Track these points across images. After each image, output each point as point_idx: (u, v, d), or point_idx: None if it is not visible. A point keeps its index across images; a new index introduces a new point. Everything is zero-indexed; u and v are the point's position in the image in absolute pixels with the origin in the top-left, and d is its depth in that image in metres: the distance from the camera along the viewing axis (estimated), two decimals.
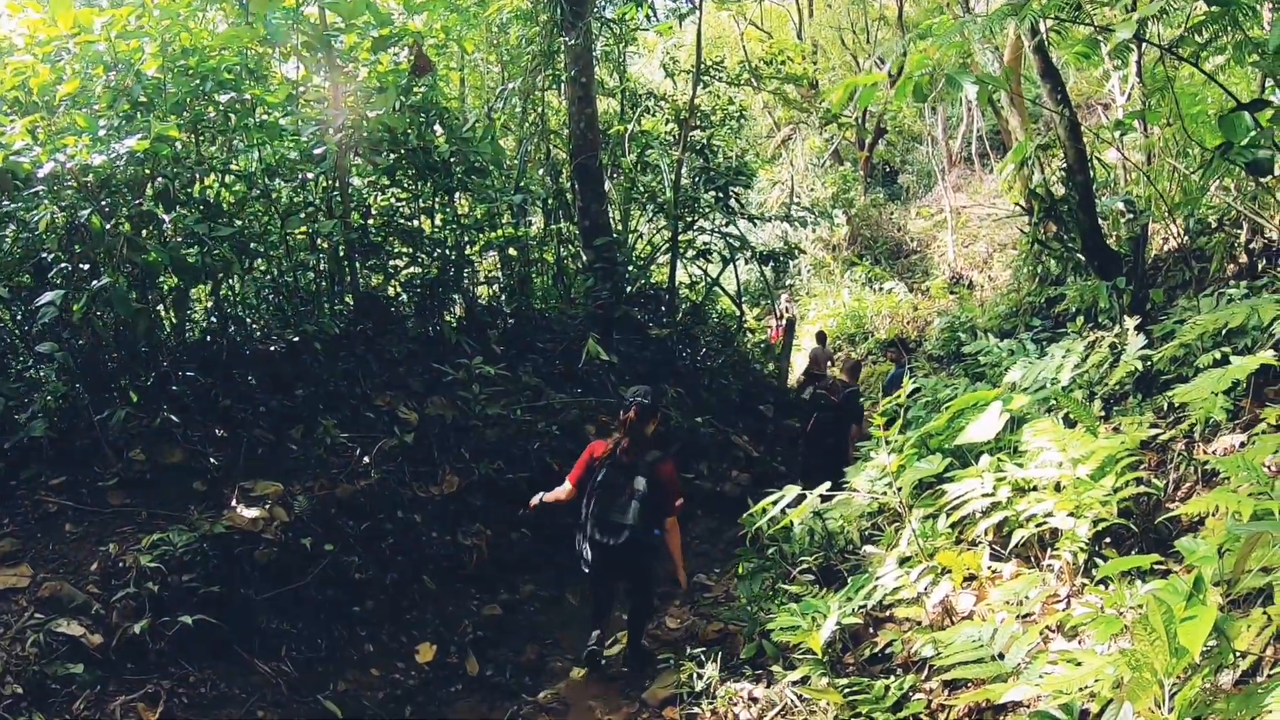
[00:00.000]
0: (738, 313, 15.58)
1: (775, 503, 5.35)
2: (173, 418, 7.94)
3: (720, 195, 14.08)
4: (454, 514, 9.06)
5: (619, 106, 15.60)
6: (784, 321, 17.93)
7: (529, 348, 11.72)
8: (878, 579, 5.27)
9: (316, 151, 9.42)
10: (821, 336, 15.85)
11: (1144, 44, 9.19)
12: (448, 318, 11.21)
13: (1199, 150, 9.08)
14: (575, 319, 12.33)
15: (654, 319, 13.74)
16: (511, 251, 12.56)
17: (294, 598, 7.34)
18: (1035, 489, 5.46)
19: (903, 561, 5.31)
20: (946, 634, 4.42)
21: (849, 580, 5.85)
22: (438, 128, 10.71)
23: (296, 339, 9.33)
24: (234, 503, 7.50)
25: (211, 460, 7.86)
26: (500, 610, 8.77)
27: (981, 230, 26.19)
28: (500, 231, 12.04)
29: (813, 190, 26.98)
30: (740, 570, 7.62)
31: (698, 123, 15.05)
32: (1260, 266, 8.33)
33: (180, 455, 7.86)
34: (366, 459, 8.52)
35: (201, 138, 9.17)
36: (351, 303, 10.44)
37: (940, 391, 9.55)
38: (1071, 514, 4.93)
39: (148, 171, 8.33)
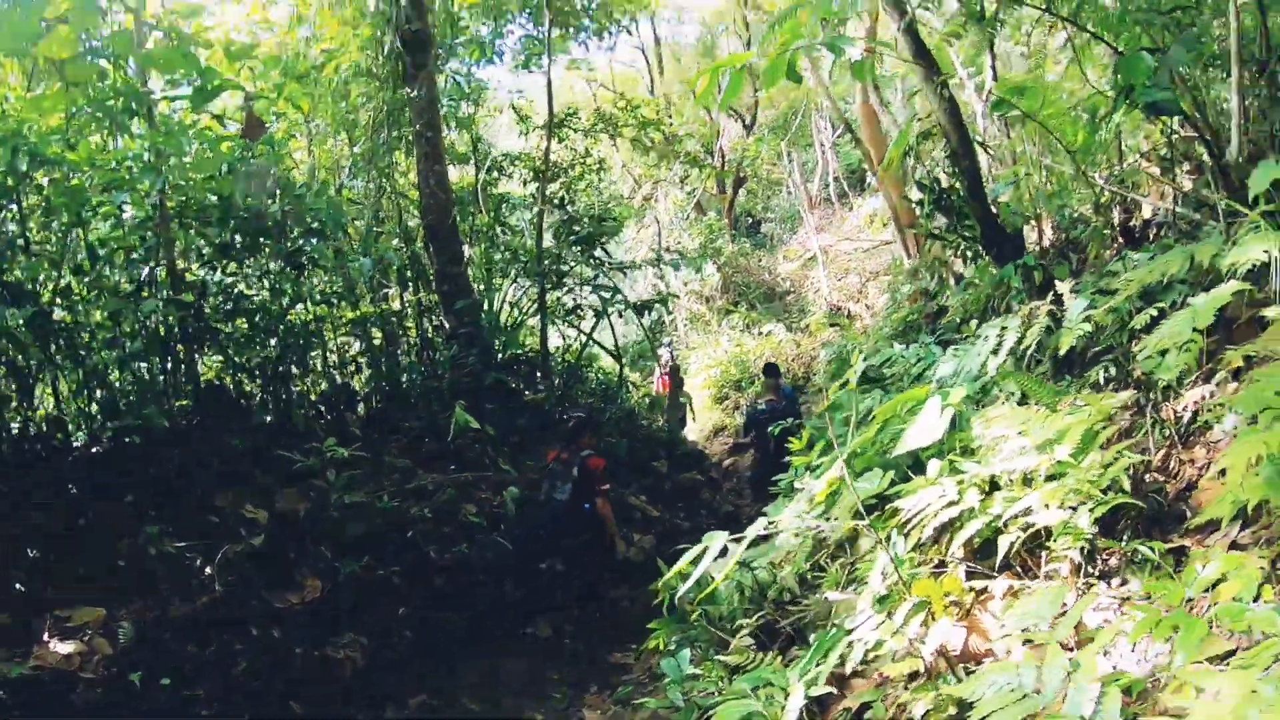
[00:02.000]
0: (618, 368, 14.59)
1: (695, 560, 4.21)
2: None
3: (586, 247, 13.12)
4: (319, 623, 7.76)
5: (473, 168, 14.60)
6: (668, 370, 16.96)
7: (394, 428, 10.52)
8: (851, 632, 4.17)
9: (127, 215, 8.20)
10: (773, 369, 14.56)
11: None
12: (297, 404, 9.93)
13: (1061, 146, 8.69)
14: (442, 392, 11.16)
15: (528, 385, 12.64)
16: (372, 329, 11.37)
17: None
18: (999, 487, 4.59)
19: (880, 602, 4.22)
20: (965, 686, 3.27)
21: (808, 639, 4.82)
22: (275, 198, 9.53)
23: (124, 437, 8.05)
24: (45, 635, 6.20)
25: (17, 587, 6.53)
26: None
27: (851, 263, 26.54)
28: (358, 310, 10.88)
29: (679, 243, 26.40)
30: (660, 644, 6.50)
31: (555, 174, 14.14)
32: (1152, 235, 8.02)
33: None
34: (208, 569, 7.25)
35: (3, 211, 7.94)
36: (190, 394, 9.18)
37: (854, 406, 8.79)
38: (1063, 505, 4.01)
39: None
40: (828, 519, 6.01)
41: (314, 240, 9.84)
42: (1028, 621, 3.52)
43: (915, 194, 12.16)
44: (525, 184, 14.94)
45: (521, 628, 9.35)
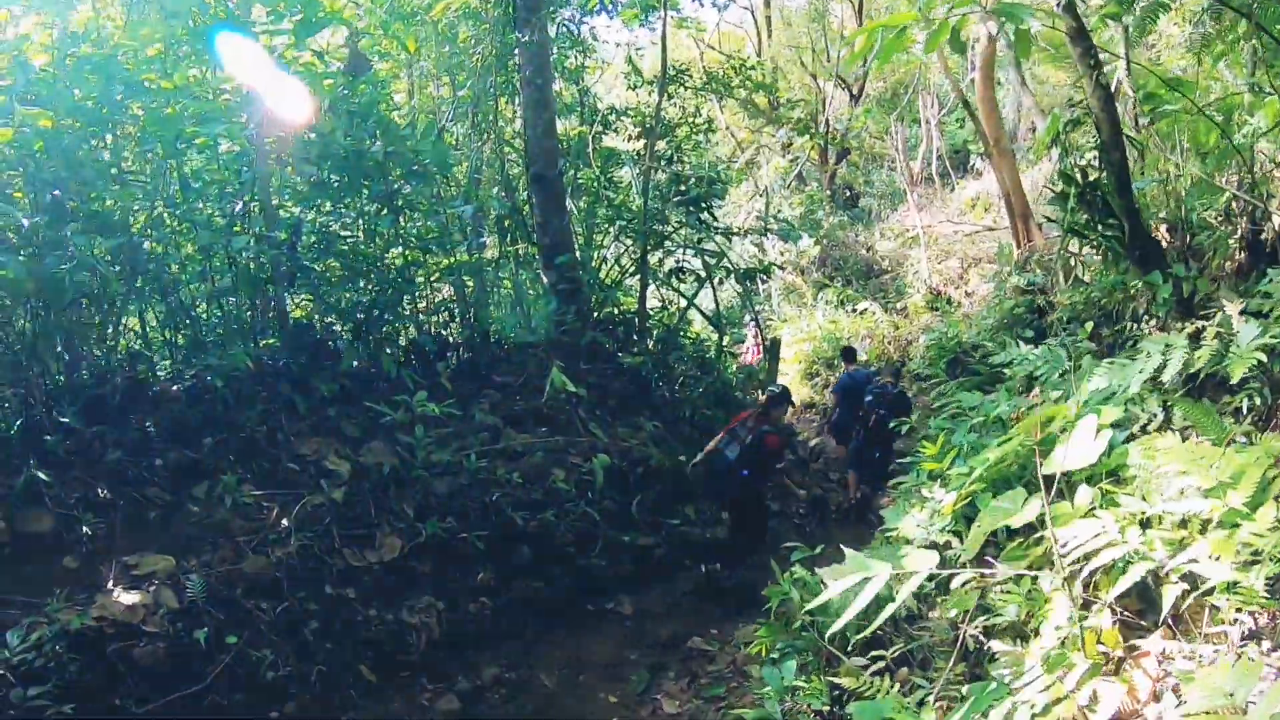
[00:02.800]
0: (716, 336, 13.92)
1: (851, 588, 3.51)
2: (41, 475, 6.21)
3: (693, 209, 12.43)
4: (396, 586, 7.30)
5: (579, 121, 13.97)
6: (765, 342, 16.19)
7: (485, 382, 10.00)
8: (1016, 693, 3.49)
9: (222, 149, 7.75)
10: (851, 352, 14.24)
11: None
12: (388, 350, 9.43)
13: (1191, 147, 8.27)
14: (537, 348, 10.60)
15: (624, 347, 12.05)
16: (465, 277, 10.85)
17: (188, 705, 5.60)
18: (1150, 525, 3.99)
19: (1050, 661, 3.54)
20: None
21: (929, 664, 4.20)
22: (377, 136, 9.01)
23: (206, 377, 7.62)
24: (110, 584, 5.78)
25: (85, 529, 6.12)
26: (458, 703, 6.99)
27: (953, 246, 25.06)
28: (451, 259, 10.36)
29: (779, 212, 25.52)
30: (761, 649, 5.89)
31: (664, 131, 13.47)
32: None
33: (49, 522, 6.14)
34: (285, 522, 6.79)
35: (95, 139, 7.54)
36: (278, 333, 8.75)
37: (967, 407, 8.12)
38: (1235, 560, 3.35)
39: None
40: (951, 533, 5.39)
41: (415, 182, 9.31)
42: (1214, 701, 2.84)
43: (1025, 180, 11.31)
44: (629, 140, 14.28)
45: (604, 603, 8.81)
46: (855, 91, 28.93)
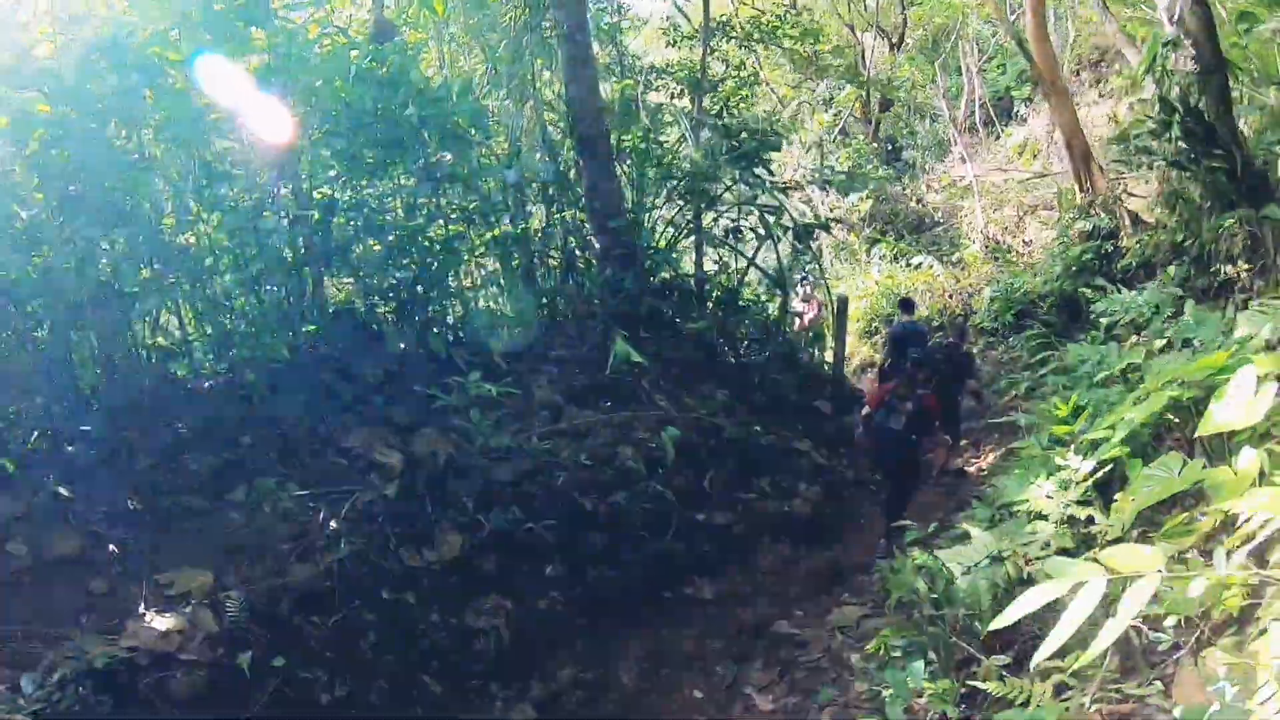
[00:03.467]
0: (779, 297, 13.06)
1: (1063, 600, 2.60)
2: (62, 491, 5.57)
3: (746, 165, 11.56)
4: (459, 586, 6.58)
5: (618, 80, 13.12)
6: (821, 301, 15.18)
7: (541, 358, 9.25)
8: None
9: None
10: (909, 304, 13.37)
11: None
12: (435, 330, 8.69)
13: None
14: (594, 318, 9.83)
15: (682, 314, 11.25)
16: (511, 249, 10.09)
17: None
18: None
19: None
20: None
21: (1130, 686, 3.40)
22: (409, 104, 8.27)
23: (242, 370, 6.95)
24: (142, 607, 5.11)
25: (112, 548, 5.45)
26: (534, 712, 6.29)
27: (1006, 195, 24.07)
28: (497, 230, 9.61)
29: (826, 165, 24.53)
30: (883, 648, 5.11)
31: (710, 86, 12.65)
32: None
33: (75, 542, 5.49)
34: (333, 524, 6.08)
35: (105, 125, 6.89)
36: (317, 320, 8.06)
37: (1078, 360, 7.34)
38: None
39: None
40: (1088, 504, 4.58)
41: (453, 148, 8.55)
42: None
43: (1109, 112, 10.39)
44: (673, 98, 13.43)
45: (682, 588, 8.07)
46: (895, 40, 27.91)
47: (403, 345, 8.24)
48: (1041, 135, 26.33)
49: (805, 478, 9.98)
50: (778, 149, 12.43)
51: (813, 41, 17.37)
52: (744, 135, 11.83)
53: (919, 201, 26.48)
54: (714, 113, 12.09)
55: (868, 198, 24.49)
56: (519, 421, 7.87)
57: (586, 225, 10.84)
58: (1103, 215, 15.63)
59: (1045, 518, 4.73)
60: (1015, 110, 28.62)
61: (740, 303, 12.18)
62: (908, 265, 22.16)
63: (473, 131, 8.69)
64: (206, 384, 7.12)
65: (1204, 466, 3.97)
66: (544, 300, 10.22)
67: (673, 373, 9.84)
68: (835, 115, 26.36)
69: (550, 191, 10.84)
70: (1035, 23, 17.63)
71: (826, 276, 22.68)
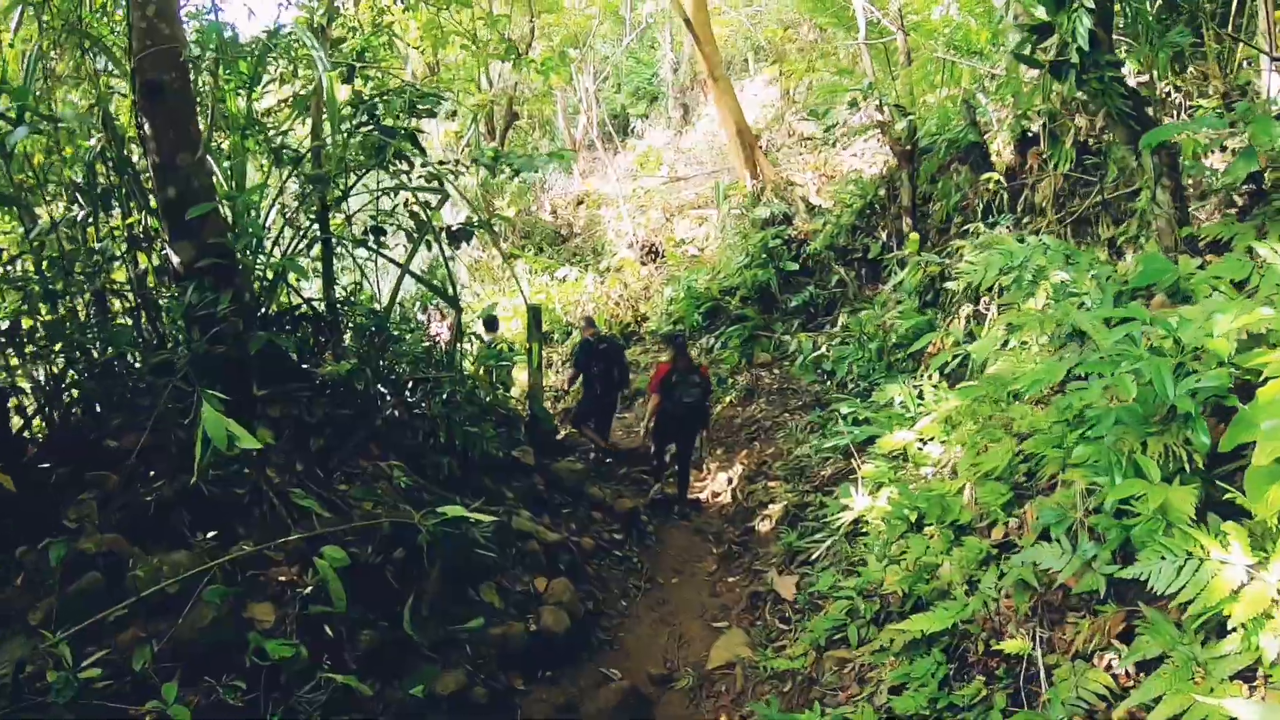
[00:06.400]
0: (454, 314, 9.21)
1: None
2: None
3: (389, 141, 7.61)
4: None
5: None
6: (454, 323, 11.15)
7: (76, 472, 4.95)
8: None
9: None
10: (590, 321, 12.32)
11: None
12: None
13: None
14: (171, 371, 5.54)
15: (314, 353, 7.22)
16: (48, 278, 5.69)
17: None
18: None
19: None
20: None
21: None
22: None
23: None
24: None
25: None
26: None
27: (648, 200, 23.48)
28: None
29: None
30: None
31: (339, 39, 8.82)
32: None
33: None
34: None
35: None
36: None
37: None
38: None
39: None
40: None
41: None
42: None
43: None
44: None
45: None
46: (523, 49, 25.29)
47: None
48: (660, 145, 27.16)
49: (540, 569, 6.34)
50: (433, 115, 8.46)
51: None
52: (385, 99, 7.85)
53: (554, 214, 24.69)
54: (348, 63, 8.06)
55: (511, 204, 21.79)
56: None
57: (161, 226, 6.44)
58: (777, 201, 15.43)
59: None
60: (631, 127, 30.76)
61: (395, 331, 8.17)
62: (552, 278, 19.59)
63: None
64: None
65: None
66: (79, 360, 5.85)
67: (311, 448, 5.81)
68: (461, 126, 22.83)
69: (97, 169, 6.46)
70: (699, 20, 17.20)
71: (460, 290, 19.44)
